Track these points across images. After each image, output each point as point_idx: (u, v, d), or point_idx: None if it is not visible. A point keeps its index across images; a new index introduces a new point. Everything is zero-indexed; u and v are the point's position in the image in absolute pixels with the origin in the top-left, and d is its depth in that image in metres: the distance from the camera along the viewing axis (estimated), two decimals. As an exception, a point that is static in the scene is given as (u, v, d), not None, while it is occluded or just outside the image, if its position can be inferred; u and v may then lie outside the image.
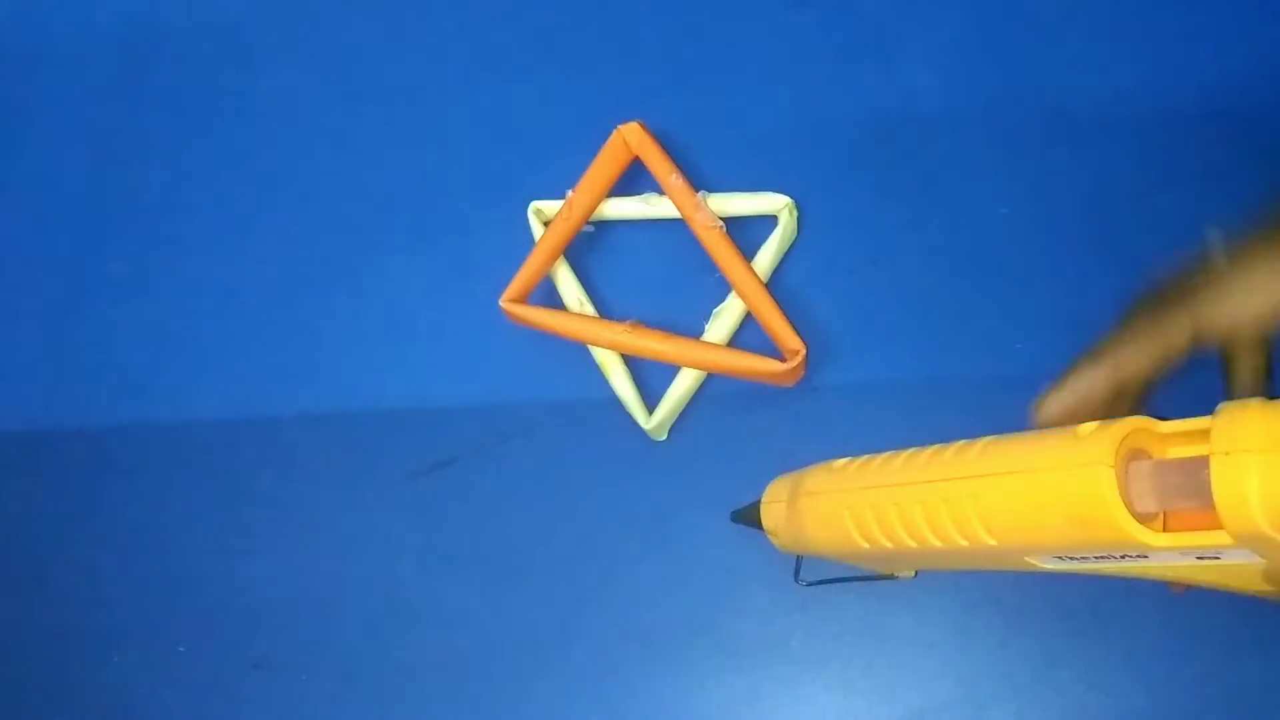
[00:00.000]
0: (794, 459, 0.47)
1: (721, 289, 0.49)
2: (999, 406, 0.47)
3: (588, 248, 0.51)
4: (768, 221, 0.50)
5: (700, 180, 0.50)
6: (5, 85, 0.62)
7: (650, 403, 0.48)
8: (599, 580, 0.47)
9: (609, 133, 0.50)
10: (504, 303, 0.49)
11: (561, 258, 0.50)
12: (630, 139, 0.50)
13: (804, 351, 0.46)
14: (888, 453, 0.37)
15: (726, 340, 0.49)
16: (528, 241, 0.50)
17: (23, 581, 0.51)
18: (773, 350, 0.47)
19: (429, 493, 0.49)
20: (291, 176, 0.56)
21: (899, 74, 0.53)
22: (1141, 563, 0.31)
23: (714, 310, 0.49)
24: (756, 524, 0.42)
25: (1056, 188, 0.50)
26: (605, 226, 0.52)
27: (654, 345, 0.47)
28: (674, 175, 0.49)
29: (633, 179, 0.51)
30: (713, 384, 0.49)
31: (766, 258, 0.49)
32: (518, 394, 0.50)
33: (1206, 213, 0.48)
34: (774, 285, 0.49)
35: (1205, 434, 0.29)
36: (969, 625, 0.44)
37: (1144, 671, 0.43)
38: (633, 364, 0.49)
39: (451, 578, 0.48)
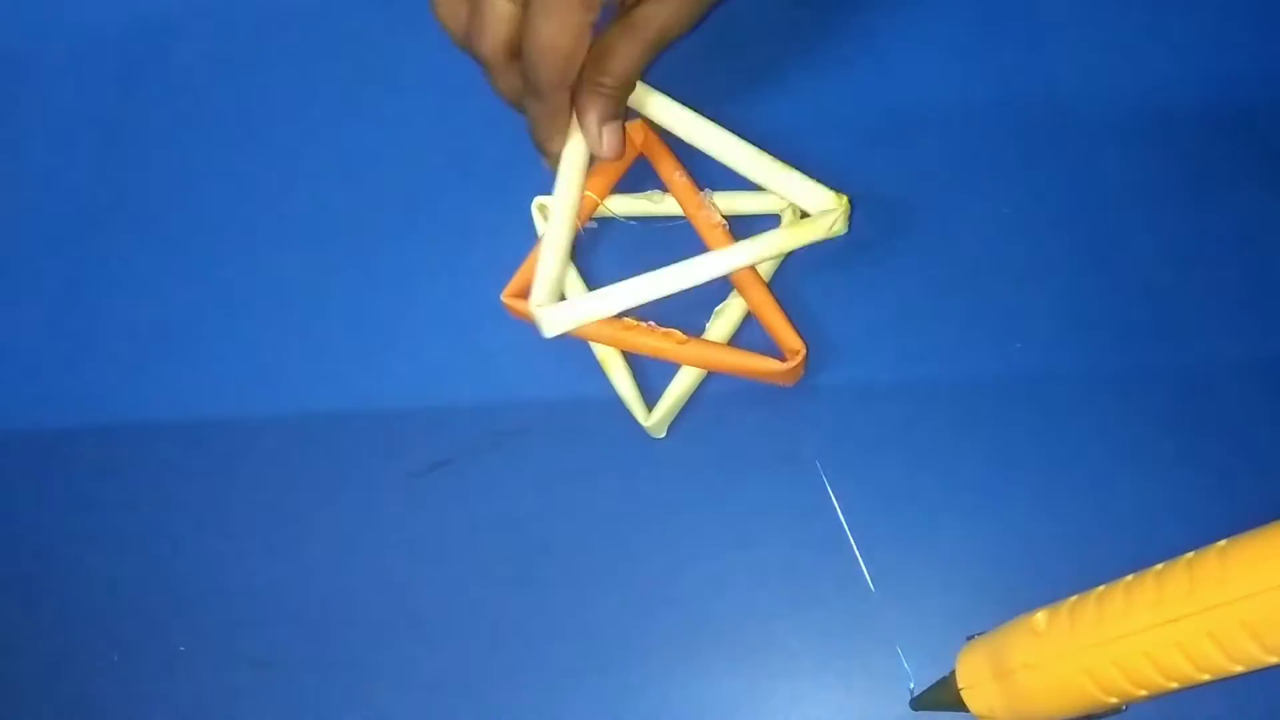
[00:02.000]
0: (794, 459, 0.47)
1: (723, 287, 0.49)
2: (999, 407, 0.47)
3: (591, 245, 0.51)
4: (771, 221, 0.50)
5: (704, 178, 0.50)
6: (4, 82, 0.62)
7: (650, 400, 0.48)
8: (597, 579, 0.47)
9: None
10: (505, 298, 0.49)
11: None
12: (635, 136, 0.50)
13: (804, 351, 0.46)
14: (1095, 592, 0.35)
15: (727, 339, 0.49)
16: (530, 237, 0.50)
17: (23, 581, 0.51)
18: (773, 349, 0.47)
19: (428, 492, 0.49)
20: (290, 174, 0.56)
21: (899, 73, 0.53)
22: None
23: (715, 309, 0.49)
24: (956, 707, 0.38)
25: (1058, 187, 0.50)
26: (608, 223, 0.52)
27: (654, 343, 0.47)
28: (678, 173, 0.49)
29: (637, 177, 0.51)
30: (712, 383, 0.49)
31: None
32: (517, 392, 0.50)
33: (1207, 212, 0.49)
34: (775, 285, 0.49)
35: None
36: (968, 626, 0.44)
37: None
38: (633, 361, 0.49)
39: (450, 577, 0.48)
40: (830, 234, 0.47)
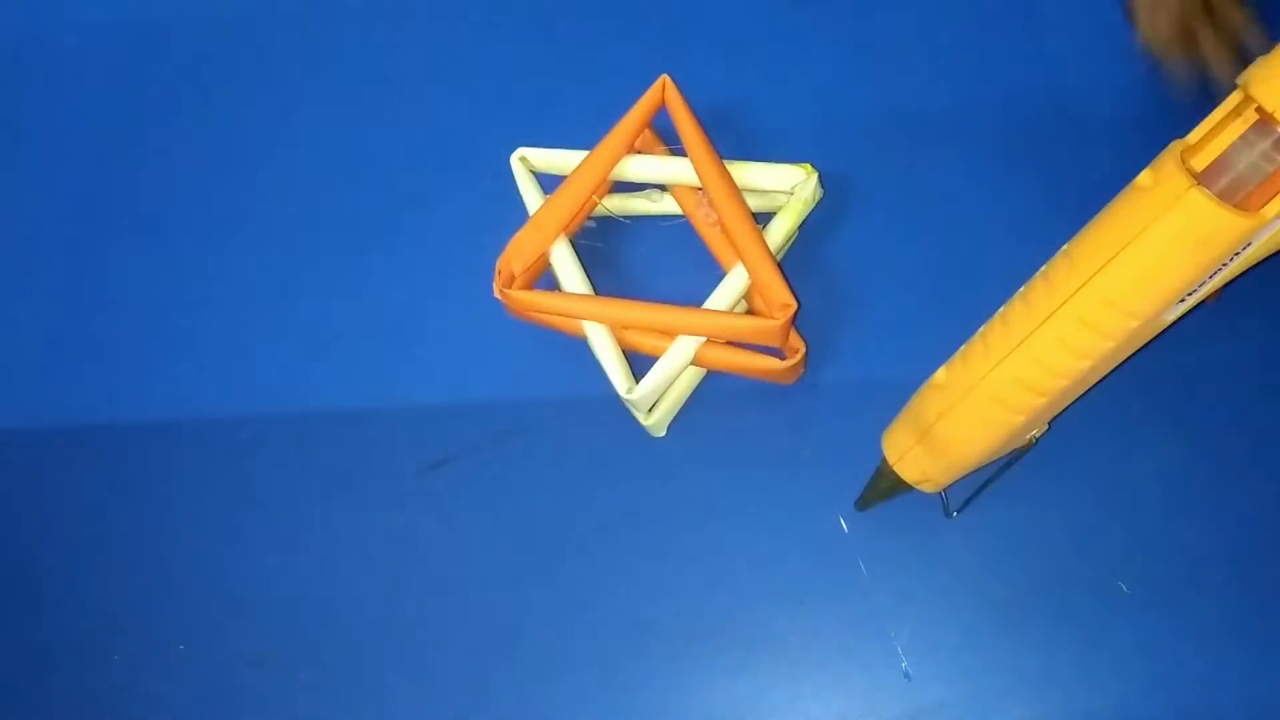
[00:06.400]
0: (793, 457, 0.47)
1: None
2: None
3: (588, 245, 0.51)
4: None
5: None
6: (5, 85, 0.62)
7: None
8: (598, 577, 0.47)
9: (611, 127, 0.50)
10: (500, 291, 0.48)
11: (563, 239, 0.49)
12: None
13: (804, 350, 0.46)
14: (976, 334, 0.39)
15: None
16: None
17: (23, 580, 0.51)
18: (773, 348, 0.47)
19: (430, 490, 0.49)
20: (290, 173, 0.56)
21: (901, 74, 0.53)
22: (1243, 255, 0.34)
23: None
24: (898, 486, 0.42)
25: (1057, 186, 0.50)
26: (607, 223, 0.52)
27: (655, 341, 0.47)
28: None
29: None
30: (712, 381, 0.49)
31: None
32: (518, 391, 0.50)
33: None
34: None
35: (1238, 112, 0.33)
36: (970, 625, 0.44)
37: (1148, 672, 0.43)
38: (633, 360, 0.49)
39: (451, 575, 0.48)
40: (815, 199, 0.49)
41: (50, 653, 0.50)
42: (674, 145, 0.51)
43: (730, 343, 0.48)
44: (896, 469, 0.42)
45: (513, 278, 0.48)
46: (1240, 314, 0.46)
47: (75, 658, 0.50)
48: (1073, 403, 0.40)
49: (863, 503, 0.45)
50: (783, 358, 0.46)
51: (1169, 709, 0.42)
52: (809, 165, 0.49)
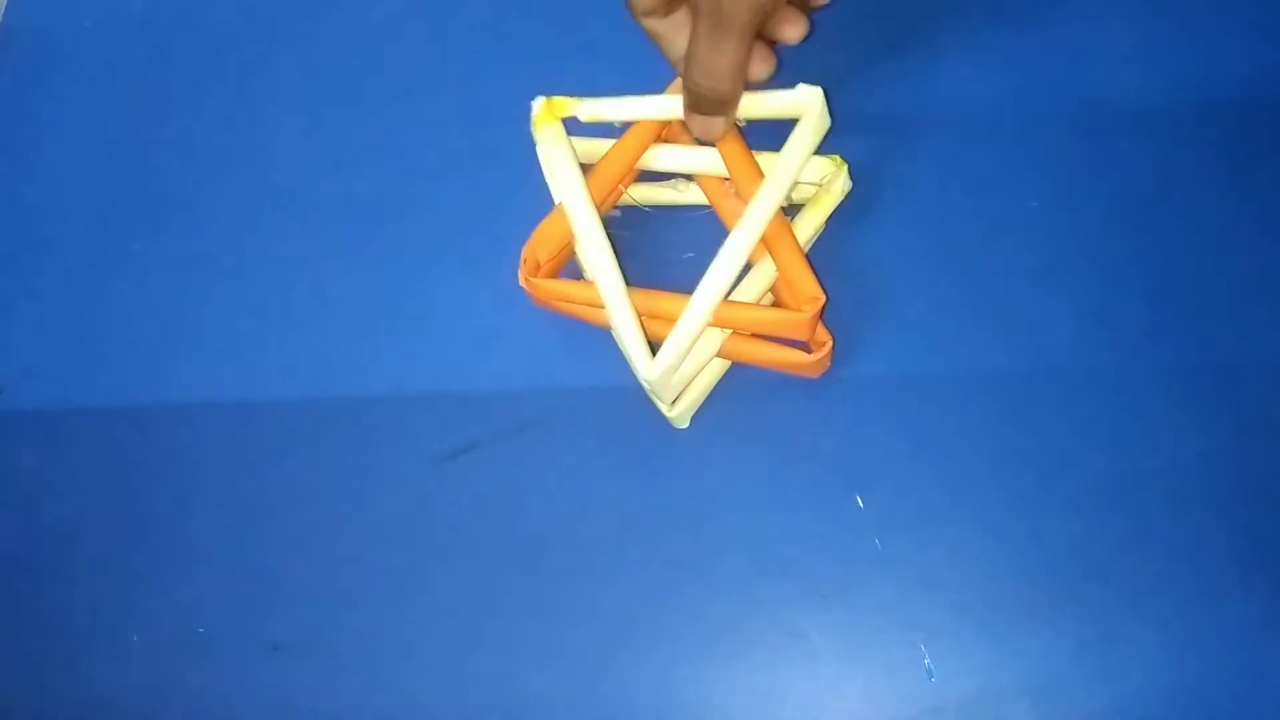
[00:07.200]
0: (818, 451, 0.47)
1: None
2: (1025, 401, 0.47)
3: (614, 234, 0.51)
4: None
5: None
6: (28, 65, 0.62)
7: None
8: (618, 569, 0.47)
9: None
10: (525, 279, 0.48)
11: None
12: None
13: (831, 343, 0.46)
14: None
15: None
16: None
17: (44, 561, 0.51)
18: (799, 341, 0.47)
19: (450, 478, 0.49)
20: (312, 157, 0.56)
21: (927, 66, 0.53)
22: None
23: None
24: None
25: (1086, 181, 0.50)
26: (633, 213, 0.51)
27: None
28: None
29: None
30: (737, 373, 0.49)
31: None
32: (541, 380, 0.50)
33: (1237, 205, 0.48)
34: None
35: None
36: (991, 620, 0.44)
37: (1153, 671, 0.43)
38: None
39: (472, 563, 0.48)
40: (844, 192, 0.49)
41: (69, 632, 0.50)
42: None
43: (756, 335, 0.47)
44: None
45: (538, 266, 0.48)
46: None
47: (94, 638, 0.50)
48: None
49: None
50: (809, 351, 0.46)
51: (1174, 706, 0.42)
52: (838, 157, 0.48)
